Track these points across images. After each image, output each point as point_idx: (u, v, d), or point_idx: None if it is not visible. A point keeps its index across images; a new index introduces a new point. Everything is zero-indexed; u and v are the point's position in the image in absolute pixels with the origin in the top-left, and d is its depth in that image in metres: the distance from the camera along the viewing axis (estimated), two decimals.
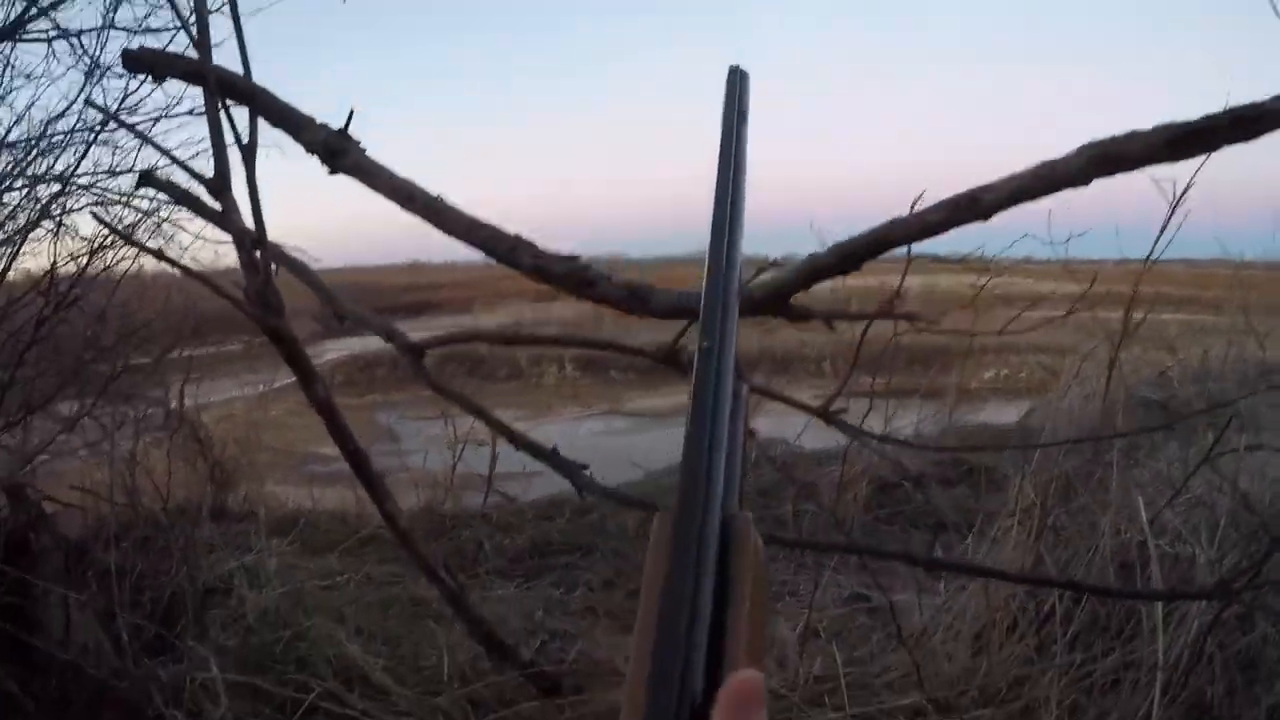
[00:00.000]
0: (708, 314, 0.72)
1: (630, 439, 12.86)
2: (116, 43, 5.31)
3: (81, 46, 5.27)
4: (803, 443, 7.79)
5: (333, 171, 2.49)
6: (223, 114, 2.72)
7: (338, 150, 2.48)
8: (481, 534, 6.80)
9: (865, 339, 3.21)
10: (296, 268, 3.27)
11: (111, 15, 5.24)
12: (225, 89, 2.65)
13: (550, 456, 3.19)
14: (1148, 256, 4.47)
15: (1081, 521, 4.61)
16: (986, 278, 4.02)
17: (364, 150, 2.47)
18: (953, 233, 1.86)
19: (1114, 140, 1.62)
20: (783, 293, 2.09)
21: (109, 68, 5.25)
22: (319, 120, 2.54)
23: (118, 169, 5.56)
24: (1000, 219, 1.78)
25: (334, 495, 7.57)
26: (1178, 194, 3.94)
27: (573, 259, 2.26)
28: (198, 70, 2.68)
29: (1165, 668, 3.57)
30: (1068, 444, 5.17)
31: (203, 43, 2.62)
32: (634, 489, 7.58)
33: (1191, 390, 7.40)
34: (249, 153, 2.65)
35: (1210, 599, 3.51)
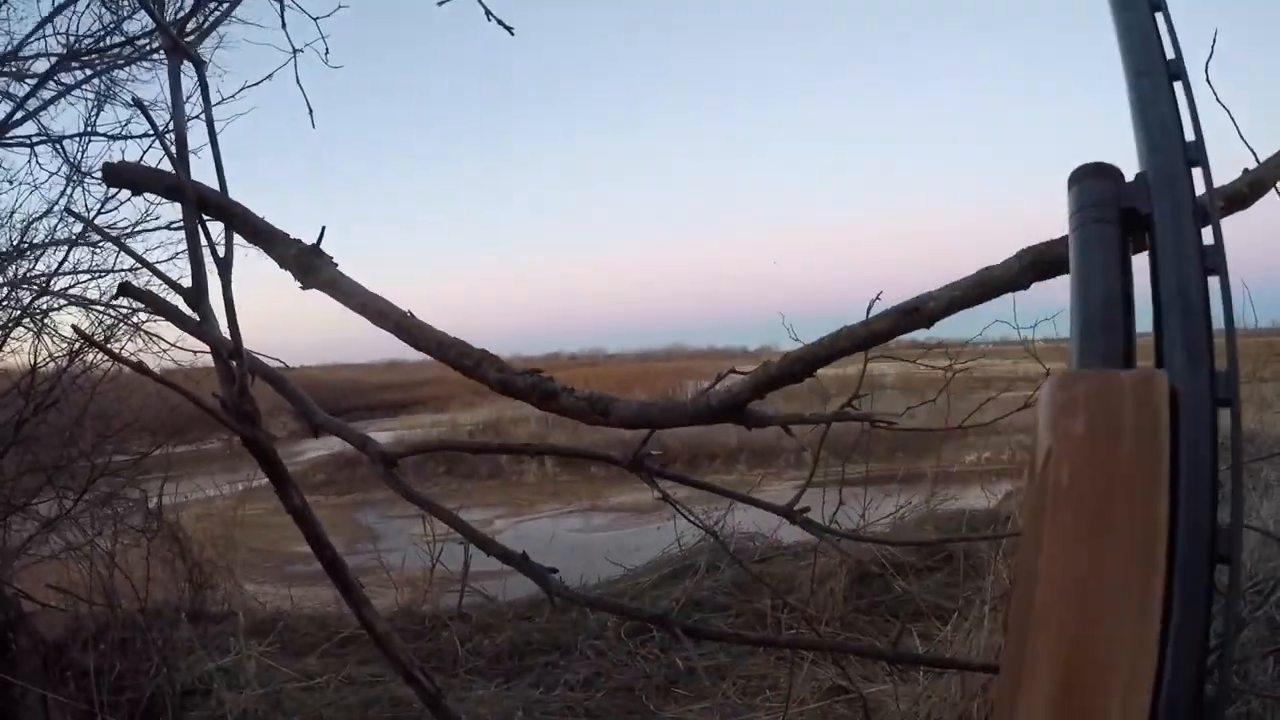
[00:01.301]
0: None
1: (610, 535, 12.87)
2: (98, 146, 5.43)
3: (63, 151, 5.38)
4: (781, 536, 7.83)
5: (305, 287, 2.54)
6: (199, 228, 2.77)
7: (309, 267, 2.52)
8: (460, 634, 6.79)
9: (836, 430, 3.26)
10: (272, 378, 3.30)
11: (93, 121, 5.36)
12: (202, 205, 2.71)
13: (520, 562, 3.20)
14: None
15: None
16: (954, 364, 4.07)
17: (336, 265, 2.52)
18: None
19: (1049, 244, 1.69)
20: (738, 401, 2.15)
21: (89, 172, 5.36)
22: (293, 236, 2.60)
23: (98, 271, 5.65)
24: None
25: (313, 595, 7.55)
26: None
27: (535, 373, 2.32)
28: (175, 186, 2.74)
29: None
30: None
31: (181, 156, 2.69)
32: (613, 586, 7.59)
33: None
34: (225, 266, 2.69)
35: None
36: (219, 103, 4.71)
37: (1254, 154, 1.88)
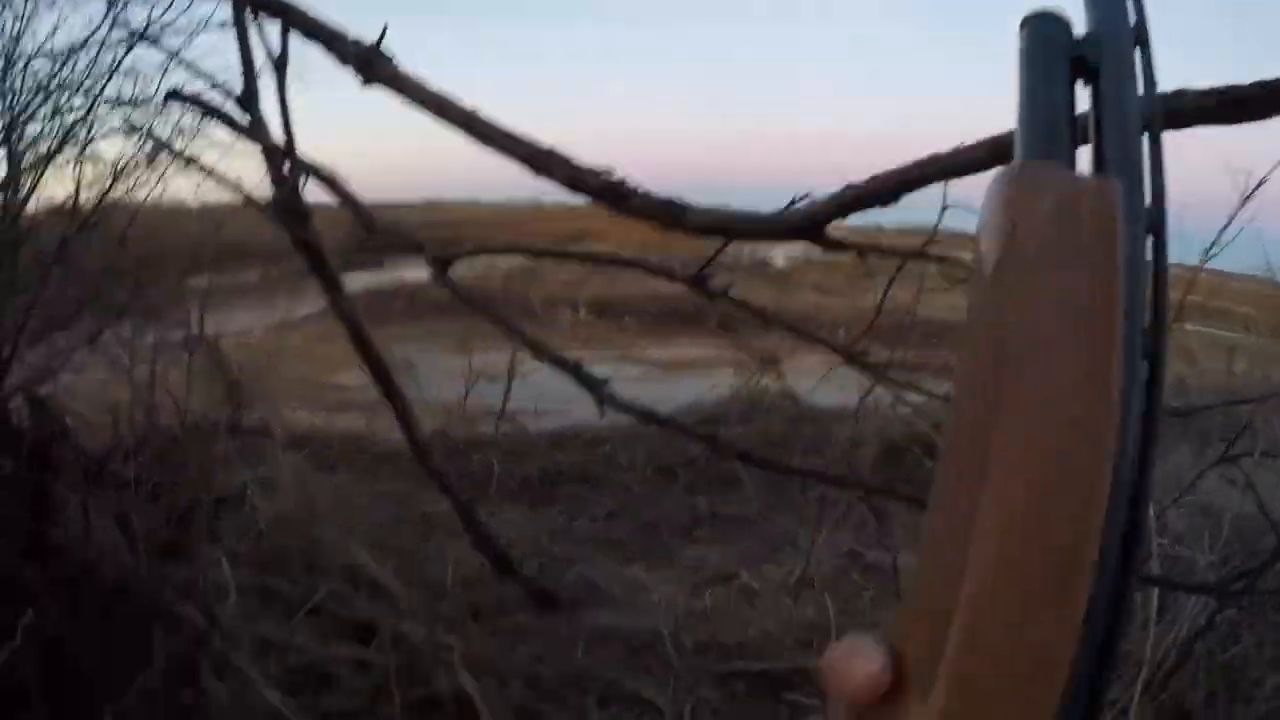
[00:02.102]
0: None
1: (639, 387, 12.86)
2: None
3: None
4: (815, 400, 7.82)
5: (366, 82, 2.54)
6: (253, 29, 2.78)
7: (370, 64, 2.53)
8: (493, 458, 6.90)
9: (887, 307, 3.22)
10: (326, 178, 3.32)
11: None
12: (256, 3, 2.71)
13: (573, 369, 3.26)
14: (1206, 250, 4.39)
15: None
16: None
17: (396, 63, 2.52)
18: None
19: (1161, 96, 1.59)
20: (817, 220, 2.12)
21: None
22: (351, 36, 2.60)
23: (140, 98, 5.64)
24: None
25: (348, 420, 7.67)
26: (1250, 186, 3.76)
27: (607, 173, 2.30)
28: None
29: (1150, 664, 3.55)
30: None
31: None
32: (640, 432, 7.68)
33: (1210, 400, 7.35)
34: (280, 66, 2.71)
35: (1206, 594, 3.55)
36: None
37: None
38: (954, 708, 0.45)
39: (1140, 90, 0.56)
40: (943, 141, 1.90)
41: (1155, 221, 0.51)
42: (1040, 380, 0.44)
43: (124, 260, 5.68)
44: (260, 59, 2.95)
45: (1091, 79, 0.55)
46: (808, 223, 2.12)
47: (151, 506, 4.48)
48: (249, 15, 2.79)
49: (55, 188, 5.52)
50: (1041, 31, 0.56)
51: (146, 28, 5.29)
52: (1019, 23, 0.57)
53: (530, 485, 6.78)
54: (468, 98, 2.41)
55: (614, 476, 6.92)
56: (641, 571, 5.32)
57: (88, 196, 5.34)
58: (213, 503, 4.63)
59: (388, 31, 2.60)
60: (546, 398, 7.90)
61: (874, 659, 0.48)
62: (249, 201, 3.01)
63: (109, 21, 5.43)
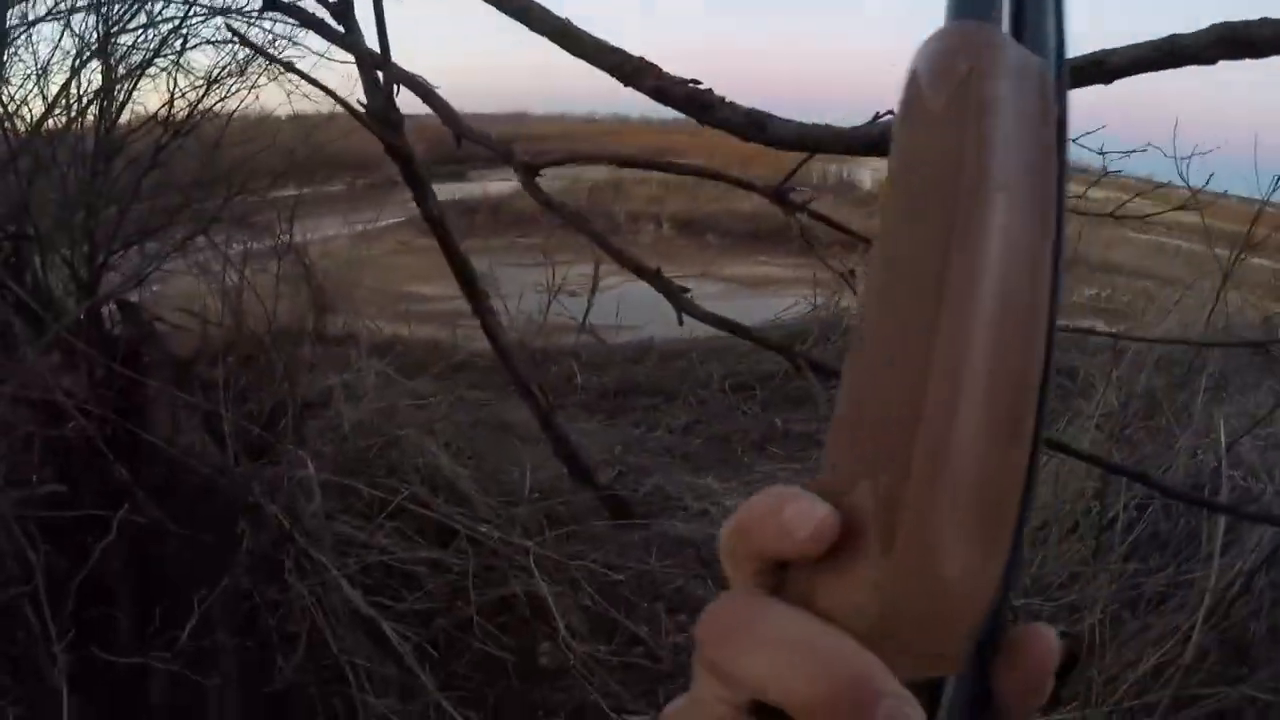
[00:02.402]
0: None
1: (719, 304, 12.84)
2: None
3: None
4: None
5: None
6: None
7: None
8: (572, 368, 6.99)
9: None
10: (418, 89, 3.37)
11: None
12: None
13: (653, 277, 3.29)
14: (1264, 200, 4.35)
15: (1159, 440, 4.62)
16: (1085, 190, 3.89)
17: None
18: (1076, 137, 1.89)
19: (1246, 24, 1.62)
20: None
21: None
22: None
23: (232, 7, 5.69)
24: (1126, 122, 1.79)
25: (428, 330, 7.77)
26: None
27: (694, 82, 2.33)
28: None
29: (1214, 591, 3.52)
30: (1153, 341, 5.07)
31: None
32: (719, 343, 7.72)
33: None
34: None
35: (1271, 524, 3.54)
36: None
37: None
38: (919, 554, 0.42)
39: None
40: None
41: (1063, 115, 0.51)
42: (1000, 221, 0.44)
43: (215, 169, 5.77)
44: None
45: None
46: (889, 137, 2.13)
47: (239, 408, 4.59)
48: None
49: (150, 97, 5.62)
50: None
51: None
52: None
53: (607, 397, 6.86)
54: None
55: (690, 390, 6.97)
56: (714, 483, 5.38)
57: (181, 106, 5.43)
58: (298, 406, 4.73)
59: None
60: (626, 312, 7.97)
61: (816, 505, 0.43)
62: (345, 108, 3.07)
63: None
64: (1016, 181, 0.45)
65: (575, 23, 2.48)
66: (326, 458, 4.33)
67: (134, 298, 5.23)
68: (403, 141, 3.09)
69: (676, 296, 3.16)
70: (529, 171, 3.21)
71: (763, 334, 4.06)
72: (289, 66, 3.22)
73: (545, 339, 7.68)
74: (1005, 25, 0.50)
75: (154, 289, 5.76)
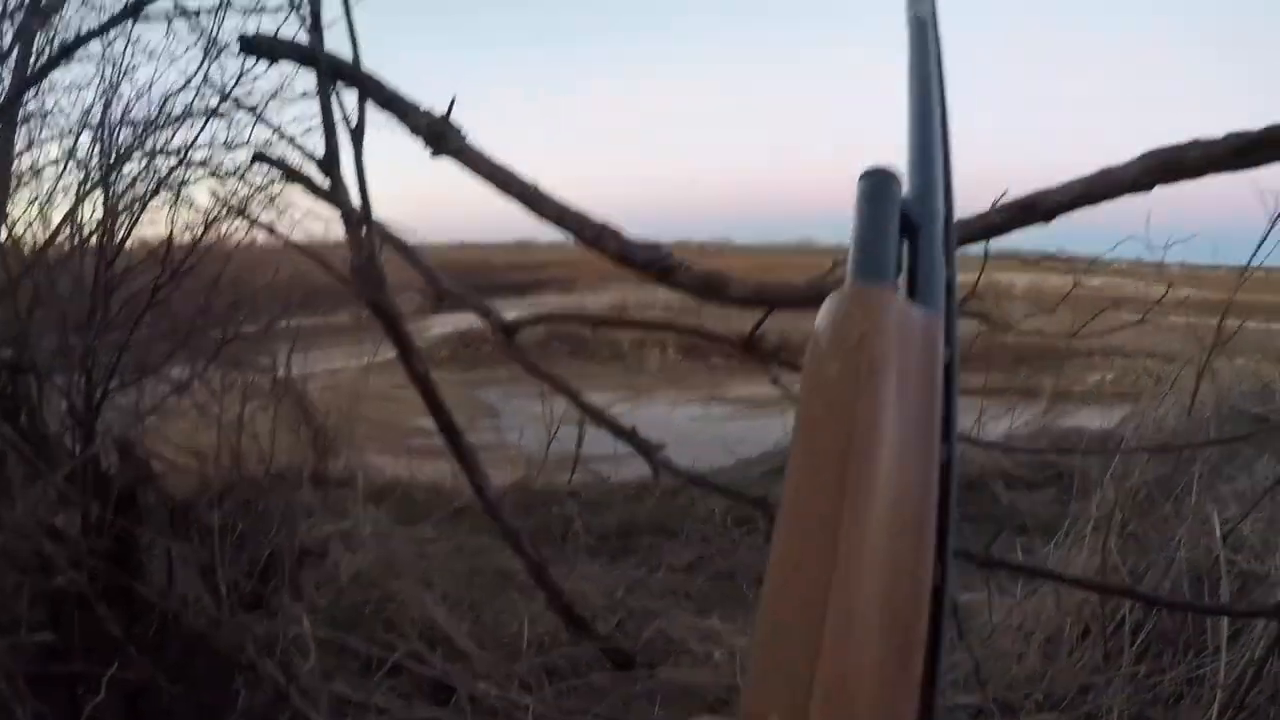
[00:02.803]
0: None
1: (727, 426, 12.89)
2: (233, 20, 5.57)
3: (200, 25, 5.52)
4: None
5: (435, 154, 2.62)
6: (333, 97, 2.86)
7: (440, 136, 2.61)
8: (571, 511, 6.93)
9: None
10: (400, 246, 3.40)
11: None
12: (336, 74, 2.79)
13: (629, 436, 3.30)
14: (1245, 266, 4.41)
15: (1160, 531, 4.60)
16: (1079, 275, 3.99)
17: (465, 136, 2.60)
18: (1065, 231, 1.93)
19: (1175, 148, 1.67)
20: None
21: (225, 45, 5.50)
22: (423, 107, 2.68)
23: (233, 143, 5.79)
24: (1111, 220, 1.85)
25: (431, 468, 7.73)
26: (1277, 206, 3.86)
27: (654, 247, 2.36)
28: (310, 56, 2.83)
29: (1226, 685, 3.54)
30: (1141, 451, 5.12)
31: (315, 27, 2.78)
32: (723, 474, 7.68)
33: None
34: (357, 135, 2.79)
35: (1267, 618, 3.52)
36: None
37: None
38: None
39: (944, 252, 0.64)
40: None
41: (952, 357, 0.59)
42: (886, 472, 0.50)
43: (215, 304, 5.79)
44: (340, 125, 3.03)
45: (910, 232, 0.63)
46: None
47: (235, 556, 4.55)
48: (330, 85, 2.87)
49: (149, 230, 5.66)
50: (880, 185, 0.64)
51: (237, 80, 5.47)
52: (860, 173, 0.64)
53: (608, 538, 6.79)
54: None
55: (692, 527, 6.91)
56: (719, 624, 5.31)
57: (180, 241, 5.46)
58: (295, 554, 4.69)
59: (455, 104, 2.67)
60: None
61: None
62: (328, 270, 3.08)
63: (202, 74, 5.62)
64: (901, 438, 0.51)
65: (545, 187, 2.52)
66: (323, 611, 4.28)
67: (131, 436, 5.20)
68: (386, 299, 3.08)
69: (651, 455, 3.18)
70: (508, 332, 3.23)
71: (735, 489, 4.10)
72: (270, 229, 3.24)
73: (548, 475, 7.64)
74: (900, 282, 0.60)
75: (151, 425, 5.74)
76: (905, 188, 0.66)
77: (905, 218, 0.63)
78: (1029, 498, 7.27)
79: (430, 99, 2.74)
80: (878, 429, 0.50)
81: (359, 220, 2.96)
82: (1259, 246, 4.14)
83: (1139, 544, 4.61)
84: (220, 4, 5.47)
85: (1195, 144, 1.67)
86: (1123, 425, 8.87)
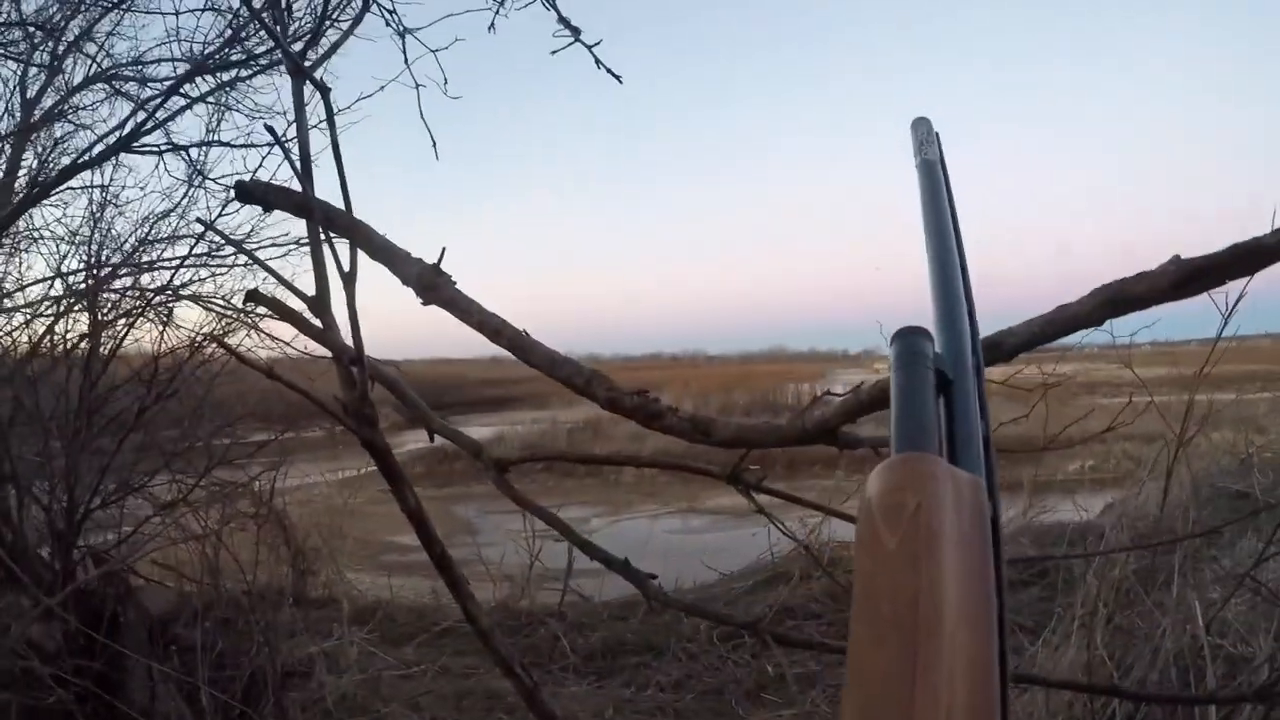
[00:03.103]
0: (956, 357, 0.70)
1: (706, 538, 12.90)
2: (220, 150, 5.70)
3: (188, 158, 5.63)
4: None
5: (425, 304, 2.63)
6: (325, 243, 2.86)
7: (430, 285, 2.61)
8: (557, 631, 6.86)
9: None
10: (390, 383, 3.40)
11: (216, 128, 5.62)
12: (328, 224, 2.80)
13: (621, 567, 3.27)
14: (1201, 368, 4.45)
15: (1145, 622, 4.62)
16: (1049, 379, 4.04)
17: (455, 284, 2.61)
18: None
19: (1123, 282, 1.75)
20: (830, 426, 2.21)
21: (211, 176, 5.63)
22: (414, 255, 2.70)
23: (219, 267, 5.86)
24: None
25: (412, 585, 7.66)
26: (1229, 306, 3.92)
27: (642, 393, 2.39)
28: (303, 205, 2.84)
29: None
30: (1121, 551, 5.16)
31: (306, 174, 2.79)
32: (707, 590, 7.64)
33: (1272, 477, 7.29)
34: (349, 280, 2.78)
35: (1250, 702, 3.54)
36: (337, 112, 4.87)
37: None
38: None
39: (978, 407, 0.66)
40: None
41: (996, 512, 0.60)
42: (954, 640, 0.50)
43: (199, 426, 5.77)
44: (332, 269, 3.04)
45: (945, 389, 0.66)
46: (823, 428, 2.21)
47: (217, 675, 4.47)
48: (321, 233, 2.89)
49: (134, 348, 5.66)
50: (914, 347, 0.66)
51: (221, 212, 5.56)
52: (893, 334, 0.67)
53: (595, 657, 6.72)
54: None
55: (679, 644, 6.85)
56: None
57: (166, 361, 5.46)
58: (279, 674, 4.62)
59: (445, 253, 2.70)
60: (617, 552, 7.89)
61: None
62: (319, 406, 3.07)
63: (188, 199, 5.70)
64: (961, 604, 0.52)
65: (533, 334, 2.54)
66: None
67: (112, 554, 5.14)
68: (378, 436, 3.07)
69: (645, 585, 3.15)
70: (499, 469, 3.23)
71: (727, 613, 4.10)
72: (267, 371, 3.23)
73: (530, 599, 7.58)
74: (943, 450, 0.60)
75: (132, 542, 5.68)
76: (936, 342, 0.68)
77: (939, 374, 0.65)
78: (1014, 597, 7.23)
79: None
80: (941, 604, 0.51)
81: (351, 360, 2.94)
82: (1224, 323, 4.18)
83: (1125, 636, 4.63)
84: (207, 139, 5.62)
85: (1142, 276, 1.76)
86: (1104, 515, 8.90)
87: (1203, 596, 4.38)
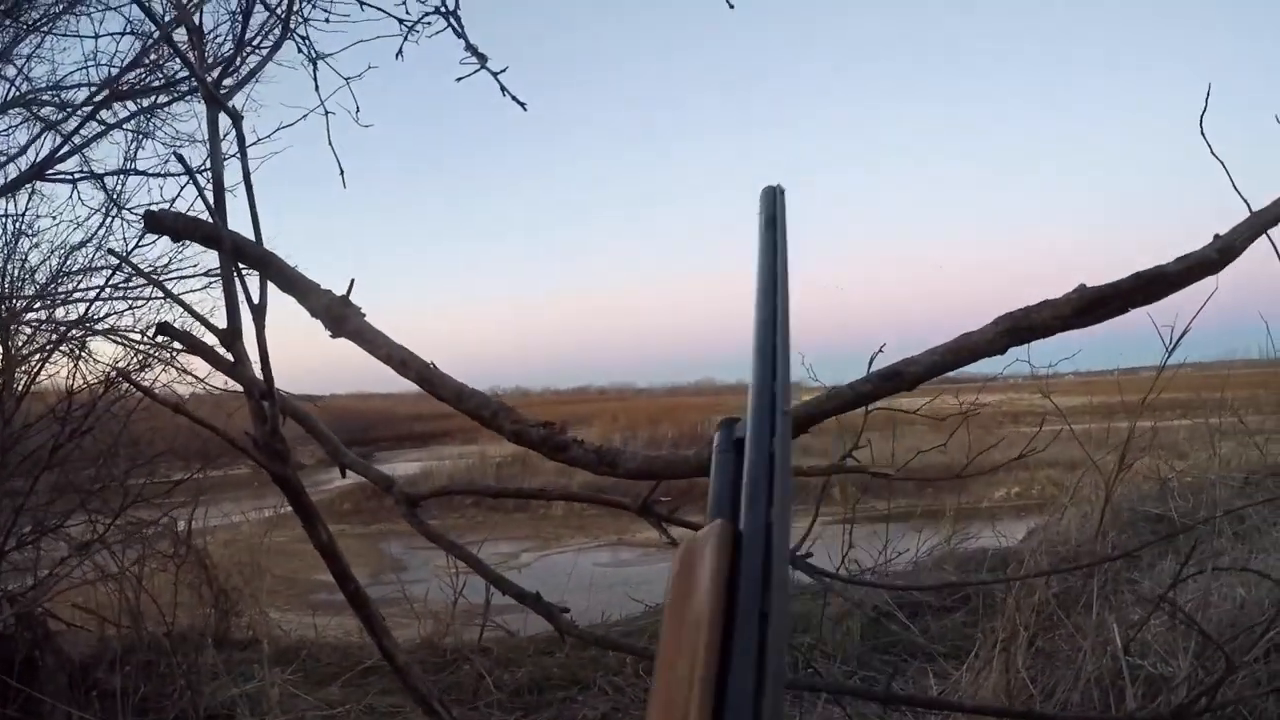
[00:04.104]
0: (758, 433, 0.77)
1: (635, 570, 12.90)
2: (136, 179, 5.62)
3: (104, 186, 5.56)
4: (799, 577, 7.80)
5: (334, 336, 2.64)
6: (236, 275, 2.86)
7: (339, 318, 2.63)
8: (481, 667, 6.83)
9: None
10: (301, 418, 3.40)
11: (133, 157, 5.54)
12: (239, 255, 2.80)
13: (533, 601, 3.30)
14: (1145, 396, 4.54)
15: (1068, 644, 4.68)
16: (967, 407, 4.10)
17: (364, 316, 2.63)
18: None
19: (1026, 311, 1.81)
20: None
21: (127, 206, 5.55)
22: (323, 286, 2.70)
23: (134, 299, 5.78)
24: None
25: (336, 623, 7.59)
26: (1174, 339, 3.97)
27: (548, 425, 2.43)
28: (214, 235, 2.84)
29: None
30: (1041, 575, 5.22)
31: (219, 205, 2.80)
32: (634, 623, 7.63)
33: (1190, 501, 7.41)
34: (259, 313, 2.79)
35: None
36: (254, 143, 4.84)
37: (1247, 205, 1.98)
38: None
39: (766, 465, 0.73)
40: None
41: (769, 551, 0.67)
42: (667, 676, 0.65)
43: (115, 465, 5.69)
44: (243, 302, 3.04)
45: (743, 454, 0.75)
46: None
47: None
48: (232, 263, 2.89)
49: (48, 384, 5.59)
50: (724, 434, 0.82)
51: (135, 245, 5.48)
52: (718, 423, 0.83)
53: (520, 692, 6.69)
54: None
55: (604, 678, 6.83)
56: None
57: (81, 396, 5.39)
58: (202, 719, 4.57)
59: (354, 285, 2.72)
60: (538, 587, 7.86)
61: None
62: (230, 443, 3.07)
63: (104, 229, 5.63)
64: (712, 616, 0.65)
65: (440, 367, 2.56)
66: None
67: (29, 596, 5.06)
68: (290, 472, 3.07)
69: (557, 619, 3.21)
70: (410, 503, 3.25)
71: (643, 646, 4.18)
72: (177, 408, 3.23)
73: (455, 636, 7.52)
74: (739, 515, 0.70)
75: (49, 584, 5.59)
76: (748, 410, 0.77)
77: (740, 444, 0.76)
78: (938, 623, 7.28)
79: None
80: (702, 615, 0.65)
81: (261, 394, 2.95)
82: (1168, 353, 4.24)
83: (1046, 659, 4.69)
84: (123, 167, 5.54)
85: (1045, 304, 1.83)
86: (1027, 540, 8.99)
87: (1122, 618, 4.45)
